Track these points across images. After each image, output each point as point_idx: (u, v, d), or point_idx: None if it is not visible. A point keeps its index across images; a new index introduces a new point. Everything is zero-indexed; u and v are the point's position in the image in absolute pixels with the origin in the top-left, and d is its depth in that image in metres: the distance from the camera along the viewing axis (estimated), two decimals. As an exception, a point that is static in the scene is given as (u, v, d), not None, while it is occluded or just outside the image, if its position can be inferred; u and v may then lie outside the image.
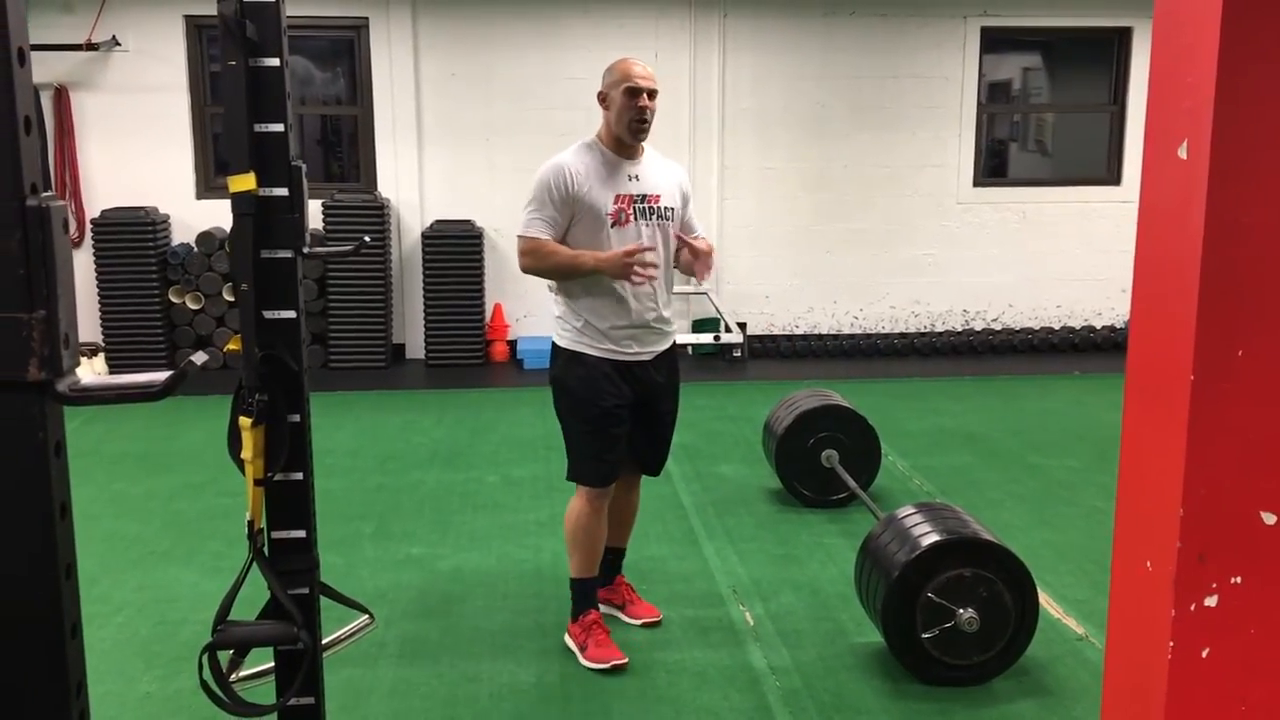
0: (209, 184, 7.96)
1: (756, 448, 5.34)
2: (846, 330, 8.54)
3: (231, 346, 7.45)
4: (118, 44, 7.62)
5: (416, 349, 8.11)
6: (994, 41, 8.49)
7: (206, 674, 2.11)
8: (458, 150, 8.03)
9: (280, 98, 2.05)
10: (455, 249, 7.76)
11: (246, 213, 2.05)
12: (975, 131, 8.43)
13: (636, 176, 3.41)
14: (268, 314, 2.11)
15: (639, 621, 3.68)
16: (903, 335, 8.49)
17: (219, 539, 4.46)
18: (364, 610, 2.38)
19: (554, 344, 3.49)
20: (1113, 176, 8.62)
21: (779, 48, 8.16)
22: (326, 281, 7.71)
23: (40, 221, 1.07)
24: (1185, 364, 1.35)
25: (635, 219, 3.36)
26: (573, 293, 3.40)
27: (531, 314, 7.97)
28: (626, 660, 3.38)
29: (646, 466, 3.69)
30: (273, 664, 2.24)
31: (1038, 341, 8.44)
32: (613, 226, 3.34)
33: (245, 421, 2.06)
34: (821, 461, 4.75)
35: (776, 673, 3.37)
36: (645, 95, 3.33)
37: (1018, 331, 8.52)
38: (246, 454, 2.08)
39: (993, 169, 8.99)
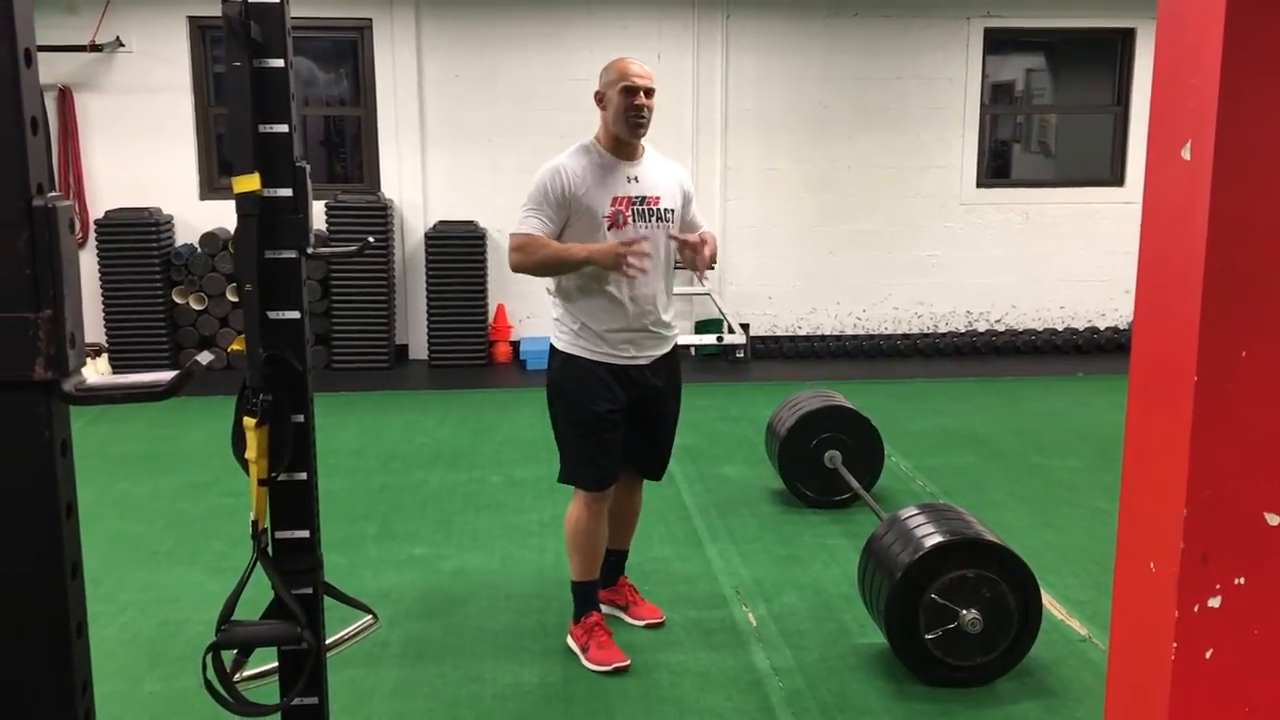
0: (212, 185, 7.97)
1: (759, 448, 5.34)
2: (849, 331, 8.54)
3: (235, 347, 7.46)
4: (121, 45, 7.64)
5: (419, 350, 8.12)
6: (997, 42, 8.49)
7: (210, 674, 2.11)
8: (461, 151, 8.04)
9: (284, 98, 2.05)
10: (458, 250, 7.77)
11: (251, 213, 2.05)
12: (978, 132, 8.43)
13: (635, 178, 3.37)
14: (272, 314, 2.11)
15: (642, 623, 3.68)
16: (906, 336, 8.49)
17: (223, 539, 4.47)
18: (367, 610, 2.39)
19: (551, 346, 3.47)
20: (1116, 177, 8.61)
21: (782, 49, 8.17)
22: (330, 282, 7.71)
23: (46, 221, 1.08)
24: (1189, 364, 1.35)
25: (633, 221, 3.32)
26: (570, 295, 3.37)
27: (534, 315, 7.97)
28: (629, 662, 3.38)
29: (647, 471, 3.65)
30: (276, 664, 2.24)
31: (1041, 342, 8.43)
32: (609, 229, 3.30)
33: (249, 421, 2.07)
34: (824, 462, 4.75)
35: (779, 673, 3.37)
36: (642, 93, 3.29)
37: (1021, 332, 8.52)
38: (251, 454, 2.09)
39: (996, 170, 9.00)
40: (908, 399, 6.99)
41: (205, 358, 1.34)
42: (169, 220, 7.78)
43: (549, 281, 3.46)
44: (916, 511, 3.44)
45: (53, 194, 1.11)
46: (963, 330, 8.59)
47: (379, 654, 3.46)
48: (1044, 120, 9.61)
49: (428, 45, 7.90)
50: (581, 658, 3.42)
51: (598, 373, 3.35)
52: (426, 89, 7.94)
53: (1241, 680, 1.41)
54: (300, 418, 2.16)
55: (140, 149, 7.78)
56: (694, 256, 3.41)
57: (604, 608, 3.63)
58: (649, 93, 3.31)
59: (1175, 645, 1.40)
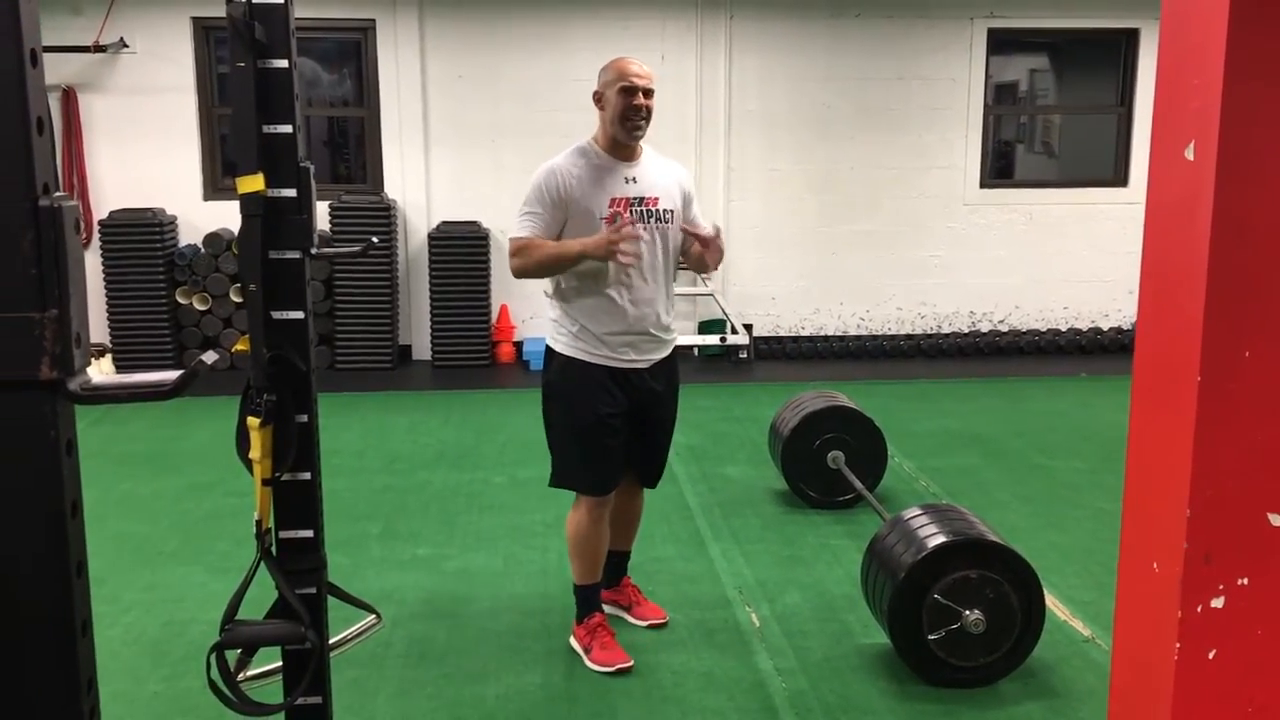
0: (216, 185, 7.98)
1: (762, 449, 5.34)
2: (853, 331, 8.54)
3: (239, 347, 7.47)
4: (125, 46, 7.65)
5: (423, 350, 8.13)
6: (1000, 43, 8.48)
7: (214, 673, 2.12)
8: (464, 151, 8.05)
9: (288, 99, 2.06)
10: (461, 250, 7.77)
11: (255, 214, 2.06)
12: (982, 133, 8.42)
13: (634, 179, 3.32)
14: (276, 314, 2.12)
15: (645, 623, 3.68)
16: (909, 337, 8.49)
17: (226, 539, 4.47)
18: (371, 610, 2.39)
19: (548, 347, 3.41)
20: (1120, 178, 8.60)
21: (785, 50, 8.17)
22: (333, 283, 7.72)
23: (52, 221, 1.08)
24: (1192, 365, 1.35)
25: (631, 223, 3.27)
26: (568, 297, 3.32)
27: (537, 315, 7.97)
28: (632, 663, 3.38)
29: (643, 477, 3.61)
30: (280, 663, 2.25)
31: (1044, 343, 8.43)
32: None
33: (253, 421, 2.07)
34: (828, 463, 4.75)
35: (782, 674, 3.37)
36: (641, 93, 3.24)
37: (1024, 333, 8.51)
38: (254, 454, 2.09)
39: (999, 170, 8.99)
40: (911, 399, 6.99)
41: (209, 357, 1.35)
42: (173, 221, 7.79)
43: (546, 283, 3.41)
44: (919, 512, 3.44)
45: (58, 194, 1.11)
46: (966, 331, 8.59)
47: (382, 654, 3.46)
48: (1047, 121, 9.61)
49: (431, 46, 7.91)
50: (585, 658, 3.42)
51: (597, 376, 3.31)
52: (430, 89, 7.95)
53: (1244, 680, 1.42)
54: (304, 418, 2.16)
55: (144, 149, 7.79)
56: (703, 252, 3.37)
57: (607, 608, 3.63)
58: (648, 93, 3.26)
59: (1178, 645, 1.40)
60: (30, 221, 1.07)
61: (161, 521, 4.76)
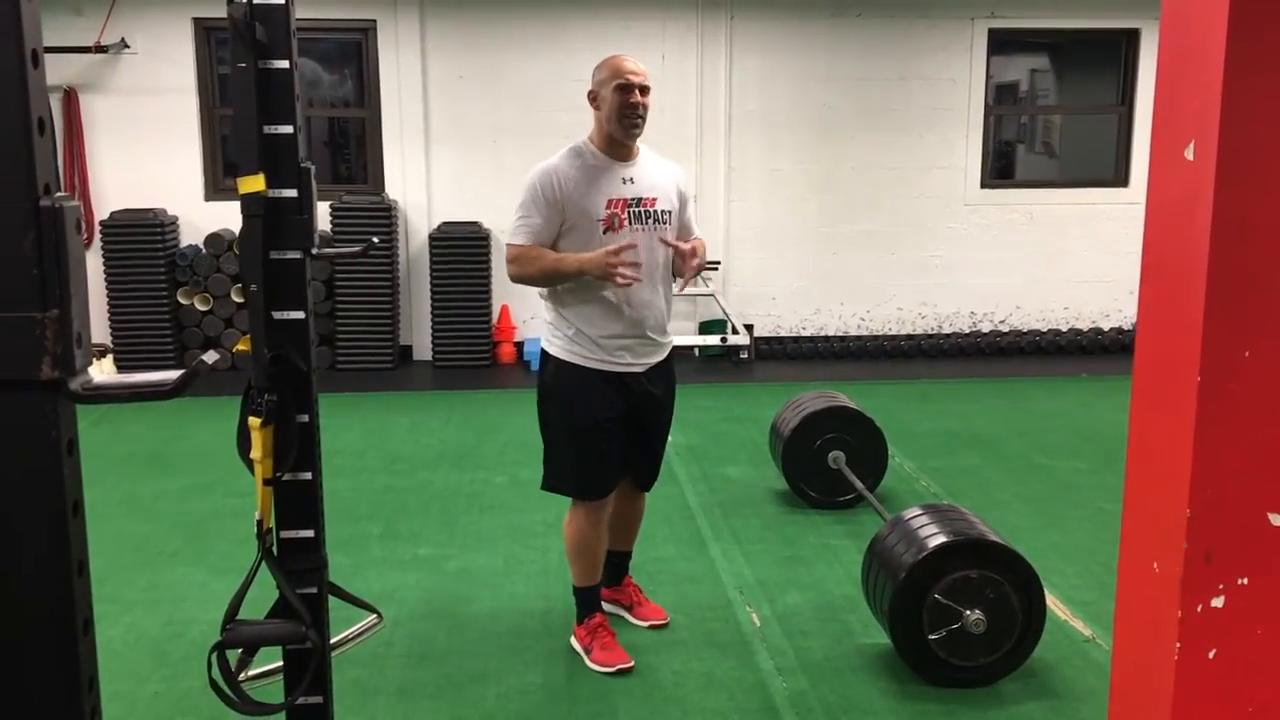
0: (217, 186, 7.99)
1: (763, 449, 5.34)
2: (853, 332, 8.54)
3: (240, 347, 7.48)
4: (126, 46, 7.66)
5: (424, 350, 8.13)
6: (1001, 43, 8.48)
7: (215, 673, 2.12)
8: (465, 152, 8.05)
9: (289, 100, 2.06)
10: (462, 251, 7.78)
11: (256, 214, 2.06)
12: (983, 133, 8.42)
13: (630, 179, 3.27)
14: (277, 315, 2.12)
15: (646, 624, 3.67)
16: (910, 337, 8.49)
17: (227, 539, 4.48)
18: (372, 610, 2.39)
19: (543, 350, 3.38)
20: (1120, 178, 8.60)
21: (786, 50, 8.17)
22: (334, 283, 7.72)
23: (53, 222, 1.08)
24: (1192, 365, 1.35)
25: (629, 223, 3.23)
26: (564, 300, 3.28)
27: (538, 315, 7.79)
28: (632, 664, 3.38)
29: (638, 480, 3.58)
30: (281, 663, 2.25)
31: (1045, 343, 8.43)
32: (605, 232, 3.21)
33: (254, 421, 2.08)
34: (828, 463, 4.75)
35: (783, 674, 3.37)
36: (638, 91, 3.20)
37: (1025, 333, 8.51)
38: (255, 454, 2.09)
39: (1000, 171, 8.99)
40: (912, 400, 6.99)
41: (210, 357, 1.35)
42: (174, 221, 7.80)
43: None
44: (920, 512, 3.44)
45: (59, 194, 1.11)
46: (967, 331, 8.59)
47: (383, 654, 3.47)
48: (1048, 121, 9.61)
49: (432, 46, 7.91)
50: (585, 659, 3.42)
51: (593, 380, 3.27)
52: (431, 90, 7.95)
53: (1245, 680, 1.42)
54: (305, 418, 2.16)
55: (145, 150, 7.80)
56: (681, 265, 3.32)
57: (608, 607, 3.63)
58: (644, 90, 3.22)
59: (1178, 645, 1.40)
60: (31, 222, 1.07)
61: (162, 521, 4.76)
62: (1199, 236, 1.33)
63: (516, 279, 3.29)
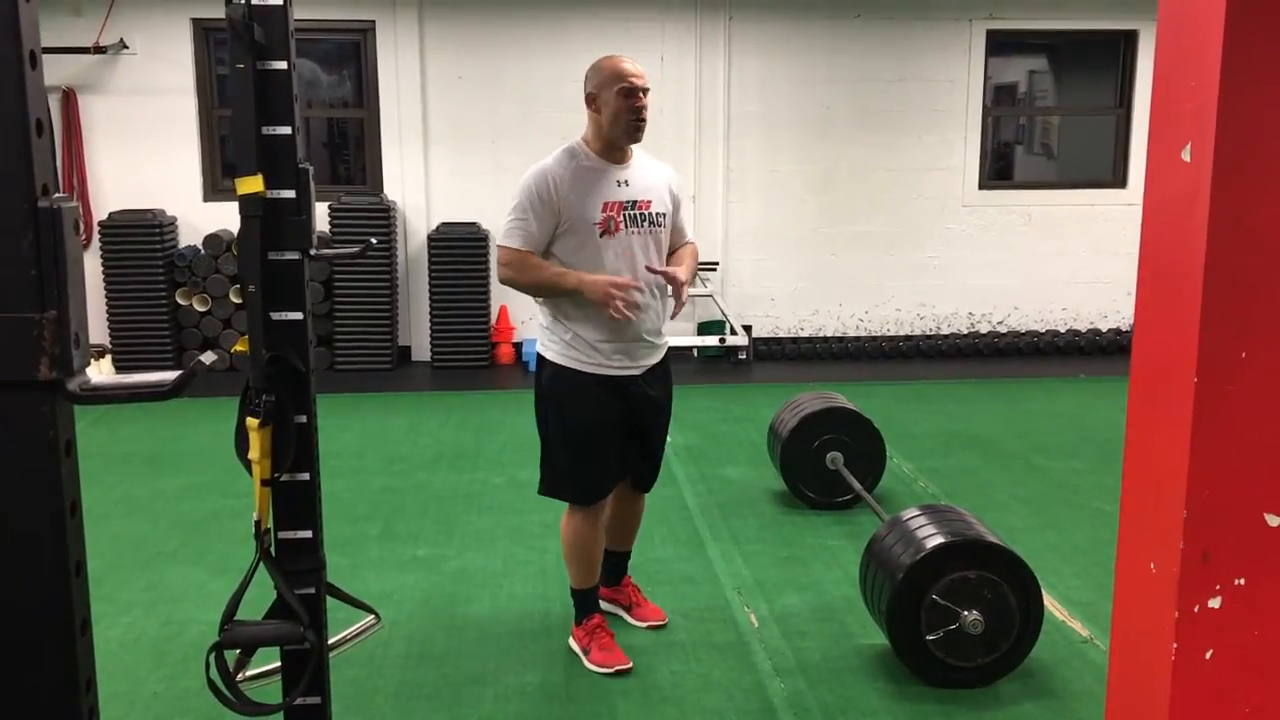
0: (216, 186, 7.99)
1: (761, 450, 5.34)
2: (852, 333, 8.54)
3: (239, 348, 7.47)
4: (125, 47, 7.65)
5: (422, 351, 8.13)
6: (999, 44, 8.49)
7: (213, 673, 2.12)
8: (464, 153, 8.05)
9: (288, 100, 2.06)
10: (461, 251, 7.78)
11: (254, 215, 2.06)
12: (981, 134, 8.43)
13: (626, 182, 3.24)
14: (275, 315, 2.12)
15: (644, 625, 3.67)
16: (908, 338, 8.49)
17: (226, 539, 4.47)
18: (370, 610, 2.39)
19: (539, 355, 3.36)
20: (1118, 179, 8.61)
21: (785, 51, 8.17)
22: (333, 284, 7.72)
23: (52, 222, 1.08)
24: (1189, 366, 1.36)
25: (625, 227, 3.21)
26: (560, 304, 3.26)
27: (537, 316, 7.90)
28: (630, 664, 3.38)
29: (638, 482, 3.57)
30: (279, 663, 2.25)
31: (1043, 344, 8.43)
32: (601, 236, 3.18)
33: (252, 422, 2.08)
34: (826, 464, 4.75)
35: (781, 674, 3.37)
36: (641, 94, 3.18)
37: (1023, 334, 8.52)
38: (254, 454, 2.10)
39: (998, 172, 9.00)
40: (910, 400, 6.99)
41: (209, 358, 1.35)
42: (173, 222, 7.80)
43: None
44: (918, 512, 3.44)
45: (58, 195, 1.11)
46: (965, 332, 8.59)
47: (381, 654, 3.47)
48: (1046, 122, 9.61)
49: (430, 47, 7.91)
50: (584, 659, 3.42)
51: (590, 385, 3.26)
52: (429, 90, 7.95)
53: (1241, 680, 1.42)
54: (303, 418, 2.17)
55: (144, 151, 7.80)
56: (674, 303, 3.29)
57: (606, 606, 3.63)
58: (645, 92, 3.20)
59: (1175, 645, 1.40)
60: (30, 222, 1.08)
61: (161, 522, 4.76)
62: (1196, 237, 1.34)
63: (507, 283, 3.26)
